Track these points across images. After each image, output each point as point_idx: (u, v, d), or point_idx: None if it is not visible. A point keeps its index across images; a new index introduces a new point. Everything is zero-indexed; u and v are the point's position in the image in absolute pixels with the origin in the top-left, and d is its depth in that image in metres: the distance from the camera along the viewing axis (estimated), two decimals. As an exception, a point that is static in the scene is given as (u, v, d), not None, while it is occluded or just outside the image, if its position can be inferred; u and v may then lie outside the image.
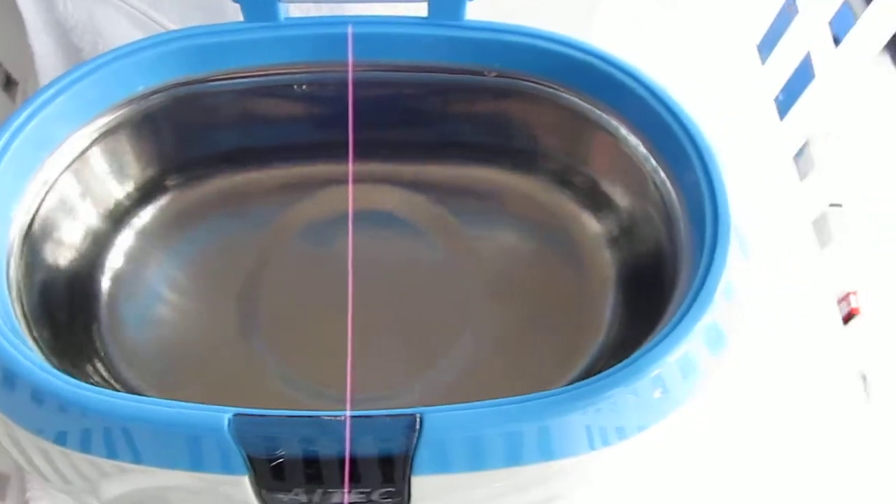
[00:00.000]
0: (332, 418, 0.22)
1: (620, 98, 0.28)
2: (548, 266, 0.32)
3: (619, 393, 0.23)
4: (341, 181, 0.34)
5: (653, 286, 0.29)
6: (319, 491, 0.23)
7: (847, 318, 0.35)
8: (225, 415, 0.22)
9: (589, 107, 0.30)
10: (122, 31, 0.37)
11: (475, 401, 0.28)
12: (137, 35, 0.38)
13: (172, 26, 0.37)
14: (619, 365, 0.23)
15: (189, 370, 0.30)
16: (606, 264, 0.31)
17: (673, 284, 0.27)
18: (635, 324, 0.29)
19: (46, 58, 0.38)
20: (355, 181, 0.34)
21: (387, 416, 0.22)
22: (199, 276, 0.32)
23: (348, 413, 0.22)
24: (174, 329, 0.31)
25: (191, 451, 0.22)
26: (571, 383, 0.28)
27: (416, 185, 0.34)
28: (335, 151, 0.34)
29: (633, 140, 0.29)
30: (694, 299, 0.24)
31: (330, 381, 0.29)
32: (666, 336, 0.24)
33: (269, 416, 0.22)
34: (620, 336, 0.30)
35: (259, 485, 0.23)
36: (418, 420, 0.22)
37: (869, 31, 0.32)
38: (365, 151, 0.34)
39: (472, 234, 0.33)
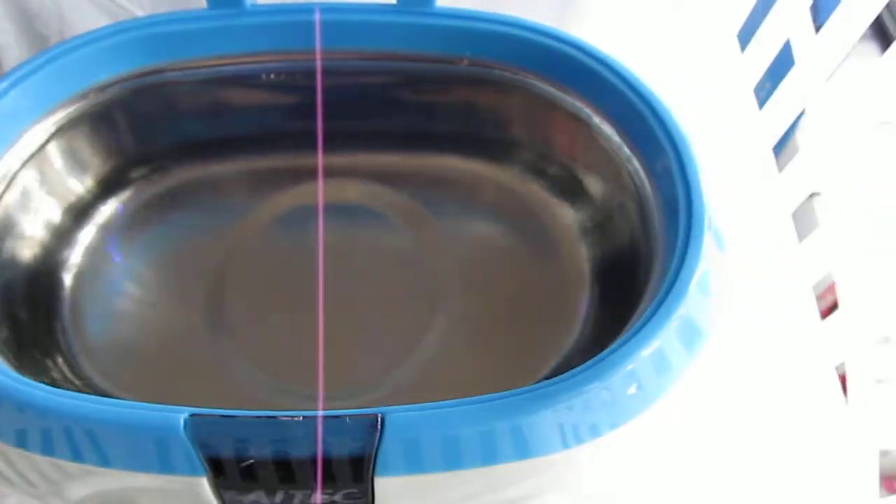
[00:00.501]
0: (290, 419, 0.21)
1: (592, 86, 0.28)
2: (521, 258, 0.31)
3: (592, 389, 0.22)
4: (311, 173, 0.33)
5: (627, 279, 0.28)
6: (281, 492, 0.22)
7: (827, 312, 0.35)
8: (181, 415, 0.21)
9: (562, 95, 0.29)
10: (89, 19, 0.36)
11: (446, 397, 0.28)
12: (105, 21, 0.37)
13: (141, 13, 0.36)
14: (592, 360, 0.23)
15: (154, 367, 0.29)
16: (581, 257, 0.31)
17: (647, 277, 0.26)
18: (610, 318, 0.29)
19: (9, 47, 0.37)
20: (325, 173, 0.33)
21: (347, 416, 0.21)
22: (164, 271, 0.31)
23: (304, 414, 0.21)
24: (139, 325, 0.30)
25: (147, 453, 0.22)
26: (544, 379, 0.28)
27: (387, 177, 0.33)
28: (305, 142, 0.33)
29: (607, 129, 0.28)
30: (667, 292, 0.24)
31: (298, 376, 0.28)
32: (639, 330, 0.23)
33: (226, 416, 0.22)
34: (594, 331, 0.29)
35: (217, 486, 0.22)
36: (380, 420, 0.21)
37: (850, 17, 0.32)
38: (335, 142, 0.33)
39: (445, 225, 0.32)
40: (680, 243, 0.25)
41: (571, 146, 0.30)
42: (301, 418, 0.22)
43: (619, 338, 0.24)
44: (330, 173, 0.33)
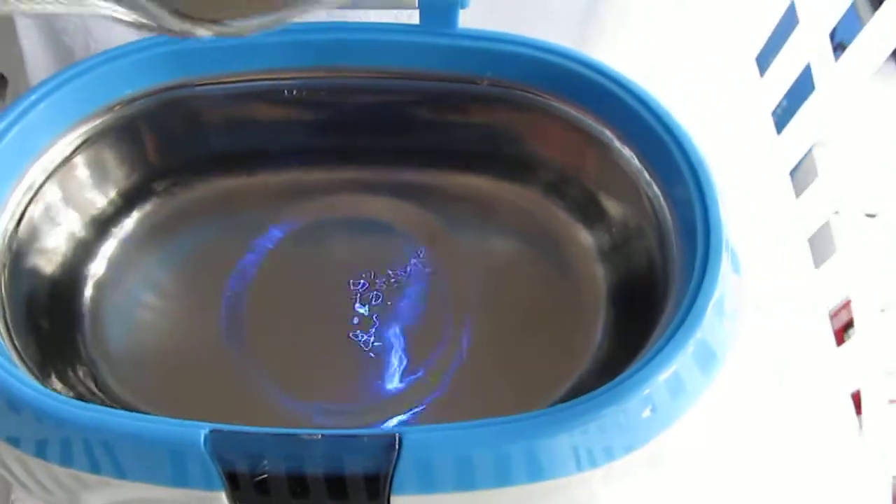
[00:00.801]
0: (310, 437, 0.22)
1: (612, 109, 0.28)
2: (539, 278, 0.31)
3: (608, 414, 0.22)
4: (331, 188, 0.33)
5: (644, 302, 0.28)
6: (297, 508, 0.23)
7: (842, 330, 0.34)
8: (202, 430, 0.22)
9: (581, 117, 0.29)
10: (115, 32, 0.37)
11: (462, 416, 0.28)
12: (132, 36, 0.37)
13: (166, 27, 0.36)
14: (608, 384, 0.23)
15: (174, 378, 0.29)
16: (598, 279, 0.31)
17: (664, 301, 0.27)
18: (625, 341, 0.29)
19: (36, 58, 0.37)
20: (346, 188, 0.33)
21: (365, 435, 0.22)
22: (184, 284, 0.31)
23: (323, 432, 0.22)
24: (159, 337, 0.30)
25: (167, 467, 0.22)
26: (560, 400, 0.28)
27: (407, 193, 0.33)
28: (326, 158, 0.33)
29: (627, 152, 0.28)
30: (685, 317, 0.24)
31: (316, 391, 0.29)
32: (656, 355, 0.23)
33: (246, 433, 0.22)
34: (610, 353, 0.29)
35: (234, 500, 0.22)
36: (398, 440, 0.22)
37: (872, 43, 0.32)
38: (356, 158, 0.34)
39: (463, 243, 0.32)
40: (697, 268, 0.25)
41: (591, 169, 0.30)
42: (320, 436, 0.22)
43: (635, 361, 0.25)
44: (350, 189, 0.33)
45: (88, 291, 0.30)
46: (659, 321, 0.26)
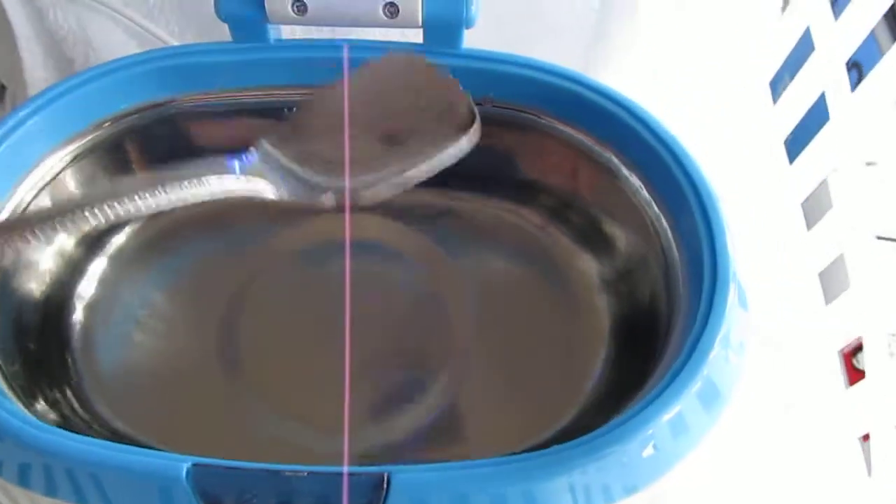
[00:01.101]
0: (295, 474, 0.21)
1: (620, 135, 0.27)
2: (540, 306, 0.31)
3: (608, 455, 0.21)
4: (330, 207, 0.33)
5: (646, 336, 0.27)
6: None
7: (850, 354, 0.34)
8: (184, 464, 0.21)
9: (587, 142, 0.28)
10: (116, 43, 0.36)
11: (458, 447, 0.28)
12: (133, 46, 0.37)
13: (168, 37, 0.36)
14: (609, 424, 0.22)
15: (166, 402, 0.28)
16: (600, 309, 0.30)
17: (667, 336, 0.26)
18: (626, 375, 0.28)
19: (36, 68, 0.37)
20: (342, 208, 0.33)
21: (353, 474, 0.21)
22: (177, 303, 0.31)
23: (309, 469, 0.21)
24: (151, 359, 0.29)
25: (150, 499, 0.21)
26: (558, 435, 0.28)
27: (405, 214, 0.32)
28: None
29: (635, 181, 0.27)
30: (689, 354, 0.23)
31: (310, 415, 0.28)
32: (659, 394, 0.22)
33: (230, 467, 0.21)
34: (610, 387, 0.28)
35: (218, 536, 0.22)
36: (386, 479, 0.21)
37: (892, 72, 0.31)
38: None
39: (462, 267, 0.31)
40: (703, 303, 0.24)
41: (596, 195, 0.30)
42: (306, 473, 0.21)
43: (636, 398, 0.24)
44: (353, 209, 0.33)
45: (79, 311, 0.30)
46: (661, 357, 0.25)
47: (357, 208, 0.32)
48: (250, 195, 0.23)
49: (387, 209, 0.32)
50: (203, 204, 0.32)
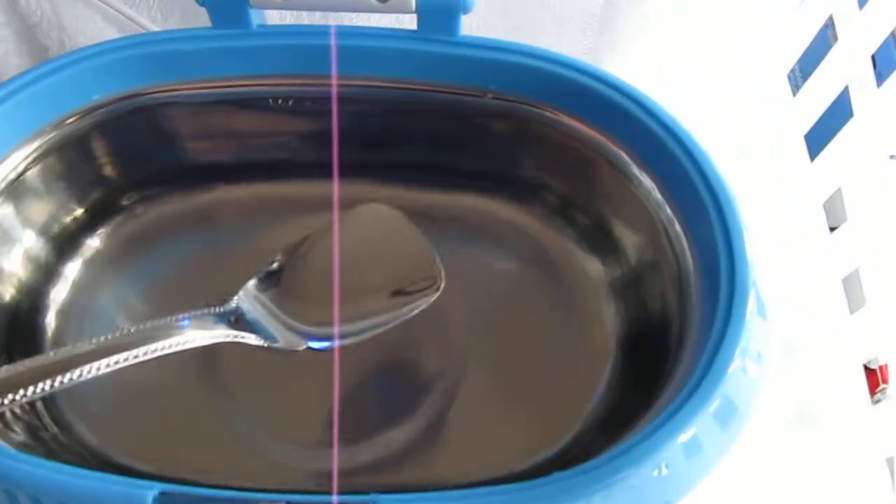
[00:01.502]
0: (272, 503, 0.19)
1: (631, 131, 0.25)
2: (542, 313, 0.29)
3: (615, 482, 0.20)
4: (317, 205, 0.30)
5: (657, 346, 0.26)
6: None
7: (874, 384, 0.32)
8: (150, 492, 0.19)
9: (597, 138, 0.26)
10: (93, 29, 0.35)
11: (451, 467, 0.26)
12: (111, 33, 0.35)
13: (148, 23, 0.34)
14: (617, 449, 0.20)
15: (140, 416, 0.27)
16: (607, 316, 0.28)
17: (680, 348, 0.24)
18: (634, 388, 0.26)
19: (9, 55, 0.35)
20: (331, 205, 0.31)
21: (337, 503, 0.19)
22: (156, 309, 0.29)
23: (288, 499, 0.19)
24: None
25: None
26: (560, 453, 0.26)
27: (403, 211, 0.30)
28: (311, 172, 0.31)
29: (647, 181, 0.25)
30: (706, 371, 0.21)
31: (297, 433, 0.26)
32: (674, 414, 0.21)
33: (199, 496, 0.19)
34: (614, 402, 0.26)
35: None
36: (372, 510, 0.19)
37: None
38: (344, 174, 0.30)
39: (459, 270, 0.29)
40: (720, 315, 0.22)
41: (605, 195, 0.28)
42: (283, 503, 0.19)
43: (646, 415, 0.22)
44: (343, 206, 0.31)
45: (51, 318, 0.28)
46: (672, 370, 0.23)
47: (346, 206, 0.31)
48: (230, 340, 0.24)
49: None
50: (183, 204, 0.31)
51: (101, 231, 0.30)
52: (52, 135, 0.27)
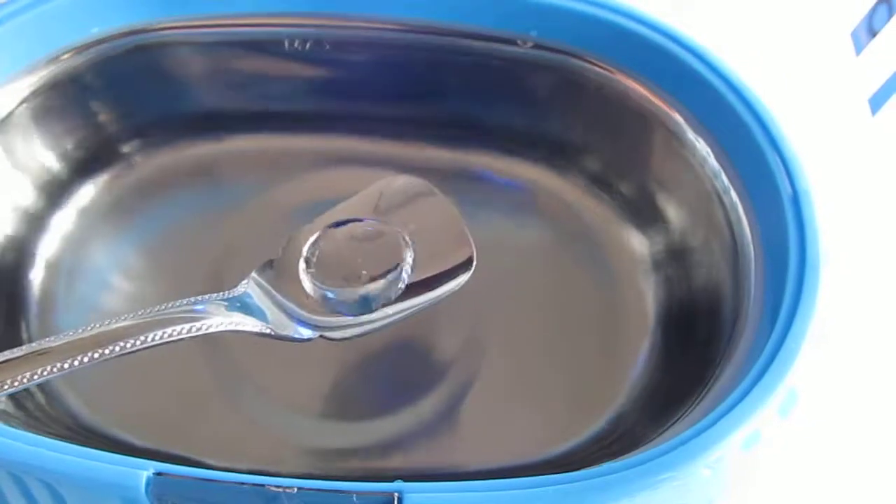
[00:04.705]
0: (282, 489, 0.18)
1: (691, 92, 0.23)
2: (576, 287, 0.27)
3: (663, 480, 0.18)
4: (332, 161, 0.29)
5: (703, 328, 0.24)
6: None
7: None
8: (144, 472, 0.18)
9: (649, 97, 0.25)
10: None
11: (474, 452, 0.24)
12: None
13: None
14: (671, 441, 0.19)
15: (135, 385, 0.25)
16: (646, 294, 0.26)
17: (731, 331, 0.23)
18: (675, 370, 0.25)
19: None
20: (353, 162, 0.29)
21: (355, 492, 0.18)
22: (154, 265, 0.27)
23: (299, 484, 0.18)
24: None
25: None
26: (589, 440, 0.24)
27: (422, 173, 0.28)
28: (327, 124, 0.29)
29: (702, 147, 0.24)
30: (771, 360, 0.20)
31: (305, 405, 0.25)
32: (736, 404, 0.19)
33: (200, 478, 0.18)
34: (654, 383, 0.25)
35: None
36: (396, 501, 0.18)
37: None
38: (362, 127, 0.29)
39: (487, 238, 0.27)
40: (789, 297, 0.21)
41: (652, 161, 0.26)
42: (296, 489, 0.18)
43: (698, 399, 0.21)
44: (354, 163, 0.29)
45: (37, 273, 0.26)
46: (726, 351, 0.22)
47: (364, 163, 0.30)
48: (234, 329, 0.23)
49: (400, 165, 0.29)
50: (186, 154, 0.30)
51: (97, 180, 0.28)
52: (45, 71, 0.25)
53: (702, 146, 0.24)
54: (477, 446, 0.24)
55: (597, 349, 0.26)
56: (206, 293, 0.26)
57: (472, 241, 0.24)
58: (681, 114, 0.24)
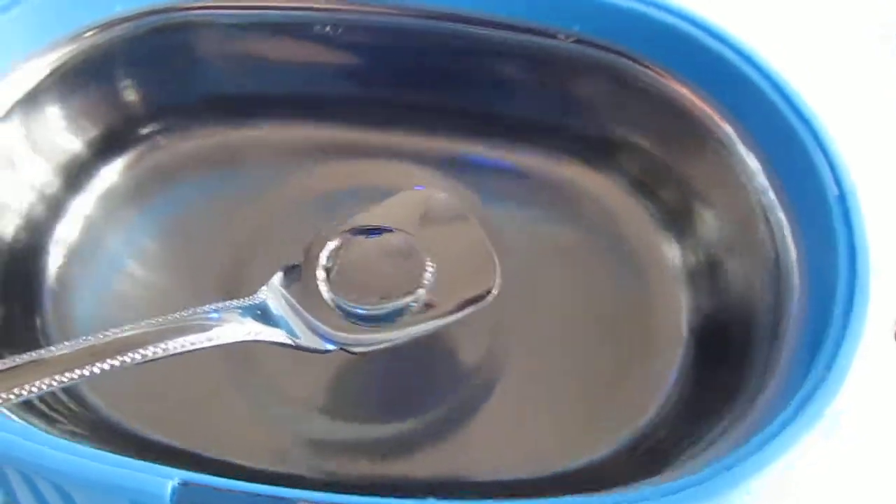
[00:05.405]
0: None
1: (747, 104, 0.22)
2: (605, 292, 0.26)
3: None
4: (359, 149, 0.29)
5: (738, 343, 0.24)
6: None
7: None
8: (169, 481, 0.18)
9: (699, 104, 0.24)
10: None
11: (495, 467, 0.24)
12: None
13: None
14: (715, 465, 0.18)
15: (152, 379, 0.24)
16: (680, 305, 0.26)
17: (770, 348, 0.22)
18: (703, 387, 0.24)
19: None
20: (380, 153, 0.29)
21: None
22: (174, 254, 0.27)
23: (327, 500, 0.17)
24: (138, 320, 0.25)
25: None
26: (616, 452, 0.24)
27: (450, 167, 0.28)
28: (356, 114, 0.29)
29: (753, 163, 0.23)
30: (819, 383, 0.19)
31: (325, 403, 0.24)
32: (784, 427, 0.19)
33: (226, 489, 0.18)
34: (682, 399, 0.24)
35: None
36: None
37: None
38: (392, 118, 0.29)
39: (517, 238, 0.27)
40: (838, 316, 0.20)
41: (697, 170, 0.25)
42: (321, 505, 0.18)
43: (734, 419, 0.21)
44: (382, 154, 0.29)
45: (53, 257, 0.26)
46: (758, 371, 0.22)
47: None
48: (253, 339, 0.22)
49: (430, 158, 0.29)
50: (209, 139, 0.29)
51: (116, 163, 0.27)
52: (67, 49, 0.25)
53: (752, 162, 0.23)
54: (492, 455, 0.24)
55: (626, 359, 0.25)
56: (224, 284, 0.26)
57: (498, 269, 0.24)
58: (732, 125, 0.23)
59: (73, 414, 0.23)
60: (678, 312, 0.26)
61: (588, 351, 0.26)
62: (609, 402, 0.25)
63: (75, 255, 0.26)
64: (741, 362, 0.23)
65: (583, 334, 0.26)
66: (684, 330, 0.25)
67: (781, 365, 0.21)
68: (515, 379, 0.25)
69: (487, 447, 0.24)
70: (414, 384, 0.25)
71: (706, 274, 0.26)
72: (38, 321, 0.25)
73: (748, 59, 0.22)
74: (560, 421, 0.25)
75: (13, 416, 0.20)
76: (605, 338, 0.26)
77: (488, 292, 0.23)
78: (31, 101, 0.25)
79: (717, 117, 0.24)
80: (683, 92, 0.24)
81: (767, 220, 0.23)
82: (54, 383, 0.19)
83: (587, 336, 0.26)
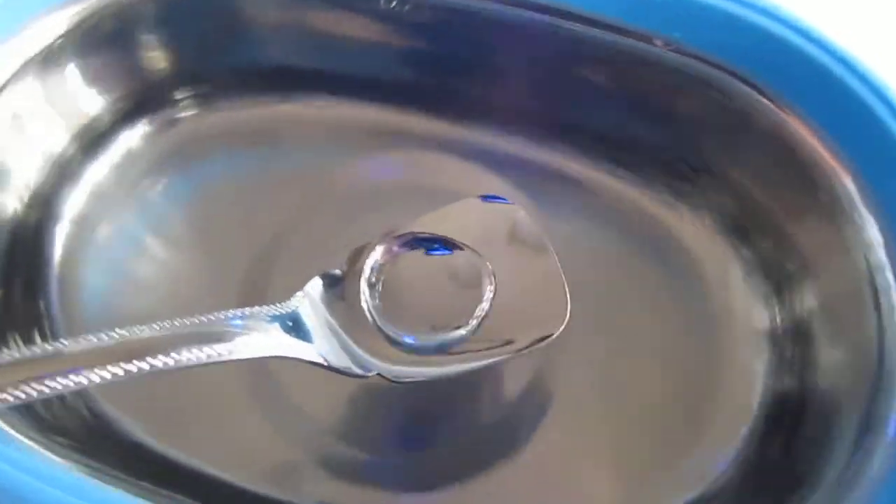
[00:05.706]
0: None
1: (877, 158, 0.19)
2: (676, 343, 0.23)
3: None
4: (410, 139, 0.26)
5: (810, 428, 0.21)
6: None
7: None
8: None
9: (817, 146, 0.20)
10: None
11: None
12: None
13: None
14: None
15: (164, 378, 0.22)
16: (756, 371, 0.23)
17: (849, 444, 0.19)
18: (767, 465, 0.22)
19: None
20: (434, 146, 0.26)
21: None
22: (195, 231, 0.25)
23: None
24: (152, 302, 0.23)
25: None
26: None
27: (511, 170, 0.26)
28: (410, 98, 0.26)
29: (873, 233, 0.19)
30: None
31: (330, 420, 0.22)
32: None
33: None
34: (740, 475, 0.22)
35: None
36: None
37: None
38: (452, 110, 0.26)
39: (579, 260, 0.24)
40: None
41: (804, 224, 0.22)
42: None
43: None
44: (433, 147, 0.26)
45: (62, 228, 0.24)
46: (840, 466, 0.19)
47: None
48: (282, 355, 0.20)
49: (490, 158, 0.26)
50: (245, 112, 0.26)
51: (139, 130, 0.25)
52: (88, 4, 0.22)
53: (873, 231, 0.20)
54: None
55: (687, 420, 0.22)
56: (248, 278, 0.24)
57: (569, 306, 0.21)
58: (857, 184, 0.20)
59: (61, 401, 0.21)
60: (752, 382, 0.23)
61: (648, 407, 0.23)
62: (660, 466, 0.22)
63: (85, 226, 0.24)
64: (818, 453, 0.20)
65: (645, 388, 0.23)
66: (757, 399, 0.22)
67: (874, 463, 0.18)
68: (562, 420, 0.22)
69: (524, 495, 0.22)
70: (446, 413, 0.23)
71: (793, 345, 0.22)
72: (41, 303, 0.23)
73: (871, 86, 0.19)
74: (608, 476, 0.22)
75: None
76: (668, 395, 0.23)
77: (554, 328, 0.20)
78: (50, 57, 0.22)
79: (840, 170, 0.20)
80: (804, 133, 0.21)
81: (878, 303, 0.20)
82: (47, 389, 0.17)
83: (649, 391, 0.23)
